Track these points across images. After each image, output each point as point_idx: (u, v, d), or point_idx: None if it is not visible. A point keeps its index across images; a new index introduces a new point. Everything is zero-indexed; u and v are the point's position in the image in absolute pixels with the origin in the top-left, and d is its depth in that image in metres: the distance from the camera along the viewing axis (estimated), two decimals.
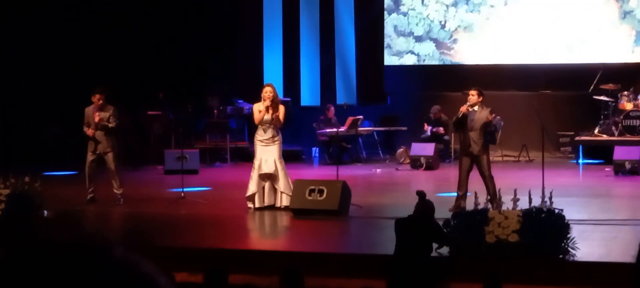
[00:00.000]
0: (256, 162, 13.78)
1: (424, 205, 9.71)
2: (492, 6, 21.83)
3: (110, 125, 14.61)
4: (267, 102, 13.66)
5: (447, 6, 22.19)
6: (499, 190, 11.26)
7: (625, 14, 21.04)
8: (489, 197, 12.02)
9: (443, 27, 22.26)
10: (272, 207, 13.72)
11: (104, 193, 14.86)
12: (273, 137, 13.79)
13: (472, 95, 13.33)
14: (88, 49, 21.58)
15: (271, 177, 13.72)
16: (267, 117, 13.70)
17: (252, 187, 13.74)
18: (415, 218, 9.55)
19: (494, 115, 13.54)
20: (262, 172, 13.69)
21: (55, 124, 20.89)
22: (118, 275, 1.33)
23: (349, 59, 23.07)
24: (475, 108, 13.26)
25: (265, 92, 13.74)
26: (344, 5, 22.97)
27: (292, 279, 7.46)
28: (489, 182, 12.96)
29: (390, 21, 22.55)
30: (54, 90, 20.95)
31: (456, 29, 22.14)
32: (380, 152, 21.23)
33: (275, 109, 13.74)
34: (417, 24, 22.44)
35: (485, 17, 21.89)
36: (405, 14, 22.48)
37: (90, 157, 14.63)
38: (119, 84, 20.24)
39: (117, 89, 17.44)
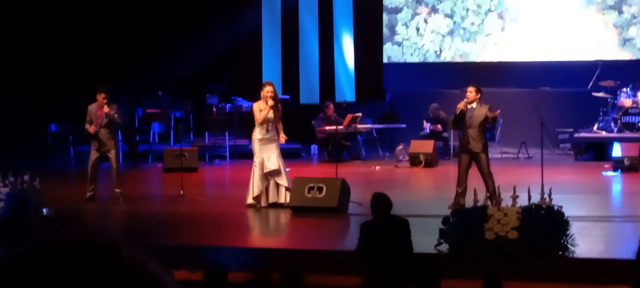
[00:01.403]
0: (258, 161, 13.74)
1: (380, 201, 9.60)
2: (488, 35, 21.87)
3: (118, 119, 14.62)
4: (272, 102, 13.65)
5: (443, 36, 22.23)
6: (498, 187, 11.26)
7: (625, 42, 21.07)
8: (488, 194, 12.02)
9: (438, 56, 22.32)
10: (275, 205, 13.72)
11: (104, 192, 14.86)
12: (273, 135, 13.80)
13: (470, 92, 13.33)
14: (88, 48, 21.57)
15: (275, 174, 13.73)
16: (271, 115, 13.70)
17: (258, 187, 13.71)
18: (378, 219, 9.47)
19: (498, 111, 13.49)
20: (267, 171, 13.67)
21: (54, 122, 20.90)
22: (125, 274, 1.32)
23: (348, 56, 23.06)
24: (474, 105, 13.26)
25: (268, 92, 13.71)
26: (342, 2, 22.96)
27: (292, 277, 7.46)
28: (488, 179, 12.96)
29: (384, 51, 22.61)
30: (53, 88, 20.95)
31: (452, 58, 22.21)
32: (379, 149, 21.24)
33: (278, 108, 13.77)
34: (411, 54, 22.52)
35: (482, 45, 21.95)
36: (399, 44, 22.54)
37: (94, 155, 14.60)
38: (119, 82, 20.25)
39: (117, 87, 17.45)
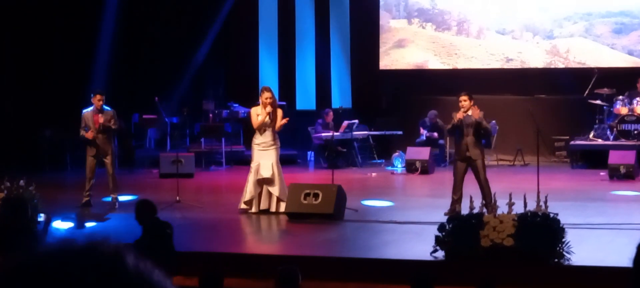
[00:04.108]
0: (254, 166, 13.78)
1: (144, 207, 9.75)
2: (484, 42, 21.96)
3: (113, 126, 14.58)
4: (270, 109, 13.68)
5: (439, 43, 22.39)
6: (495, 194, 11.26)
7: (621, 49, 21.15)
8: (484, 201, 12.02)
9: (435, 62, 22.44)
10: (266, 212, 13.73)
11: (100, 197, 14.83)
12: (271, 141, 13.80)
13: (464, 101, 13.33)
14: (83, 52, 21.55)
15: (268, 182, 13.73)
16: (267, 121, 13.72)
17: (250, 192, 13.74)
18: (145, 224, 9.65)
19: (481, 113, 13.45)
20: (260, 177, 13.69)
21: (49, 127, 20.86)
22: (130, 283, 1.31)
23: (345, 62, 23.08)
24: (469, 112, 13.28)
25: (266, 98, 13.74)
26: (339, 9, 22.97)
27: (288, 282, 7.44)
28: (485, 185, 12.97)
29: (381, 58, 22.71)
30: (49, 93, 20.92)
31: (448, 65, 22.35)
32: (375, 155, 21.24)
33: (274, 113, 13.77)
34: (408, 61, 22.71)
35: (478, 52, 22.05)
36: (396, 50, 22.66)
37: (91, 161, 14.54)
38: (115, 87, 20.24)
39: (113, 93, 17.41)
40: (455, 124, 13.30)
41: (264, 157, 13.76)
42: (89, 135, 14.43)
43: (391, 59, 22.72)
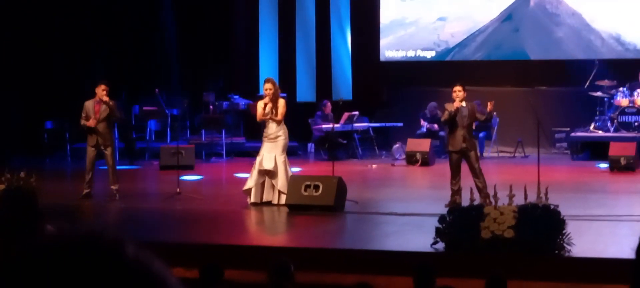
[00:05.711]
0: (258, 158, 13.84)
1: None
2: (483, 33, 21.87)
3: (117, 114, 14.57)
4: (267, 99, 13.71)
5: (439, 34, 22.29)
6: (495, 186, 11.26)
7: (622, 40, 21.07)
8: (479, 189, 12.05)
9: (435, 54, 22.35)
10: (269, 204, 13.73)
11: (100, 189, 14.84)
12: (275, 133, 13.80)
13: (459, 91, 13.34)
14: (84, 44, 21.55)
15: (270, 174, 13.73)
16: (268, 111, 13.76)
17: (250, 182, 13.78)
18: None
19: (493, 101, 13.51)
20: (262, 168, 13.71)
21: (50, 119, 20.87)
22: (130, 273, 1.31)
23: (345, 54, 23.05)
24: (464, 104, 13.30)
25: (265, 89, 13.79)
26: (339, 0, 22.94)
27: (281, 274, 7.42)
28: (479, 174, 13.02)
29: (381, 49, 22.63)
30: (50, 85, 20.92)
31: (449, 56, 22.26)
32: (375, 147, 21.23)
33: (275, 104, 13.79)
34: (408, 53, 22.65)
35: (479, 43, 21.99)
36: (396, 42, 22.57)
37: (91, 151, 14.51)
38: (115, 79, 20.22)
39: (113, 84, 17.37)
40: (452, 114, 13.29)
41: (269, 149, 13.79)
42: (91, 123, 14.39)
43: (391, 50, 22.66)
